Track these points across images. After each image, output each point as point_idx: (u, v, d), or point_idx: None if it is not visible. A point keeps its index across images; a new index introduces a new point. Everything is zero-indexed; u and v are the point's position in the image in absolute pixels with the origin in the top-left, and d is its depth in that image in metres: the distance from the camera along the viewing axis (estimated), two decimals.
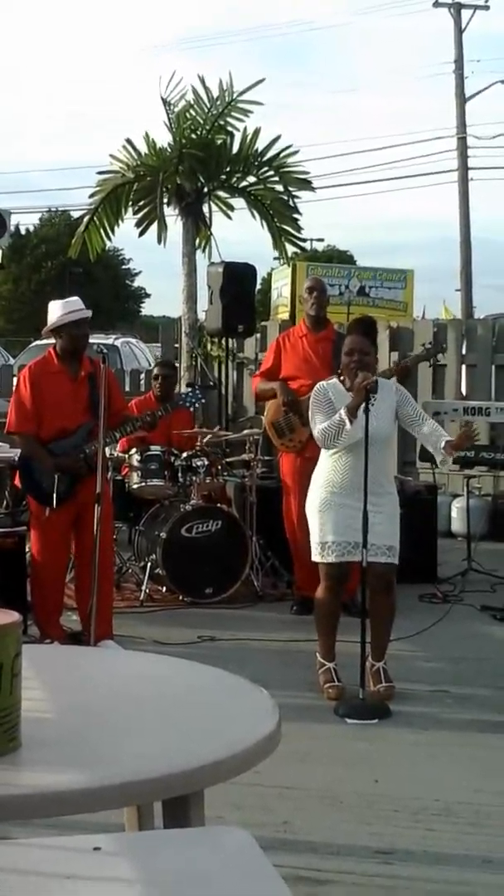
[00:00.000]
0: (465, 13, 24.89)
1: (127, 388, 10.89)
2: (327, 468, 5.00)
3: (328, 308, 6.92)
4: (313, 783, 3.91)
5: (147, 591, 6.88)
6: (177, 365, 10.20)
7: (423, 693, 5.06)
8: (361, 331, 5.09)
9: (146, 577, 6.92)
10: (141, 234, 11.00)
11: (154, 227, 10.84)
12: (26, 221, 42.25)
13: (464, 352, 10.47)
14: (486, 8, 24.90)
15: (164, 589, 7.03)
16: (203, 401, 7.43)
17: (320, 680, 4.99)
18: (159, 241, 10.79)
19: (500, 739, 4.48)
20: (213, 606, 6.74)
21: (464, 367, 10.47)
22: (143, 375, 11.80)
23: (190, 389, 7.15)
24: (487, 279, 70.32)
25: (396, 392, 5.11)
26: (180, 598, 6.83)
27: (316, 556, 4.99)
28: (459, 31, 24.99)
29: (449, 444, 4.93)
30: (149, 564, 6.94)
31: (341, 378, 5.06)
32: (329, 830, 3.53)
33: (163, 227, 10.78)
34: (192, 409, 7.40)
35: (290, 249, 11.65)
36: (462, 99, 24.73)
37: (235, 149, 10.90)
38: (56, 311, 5.71)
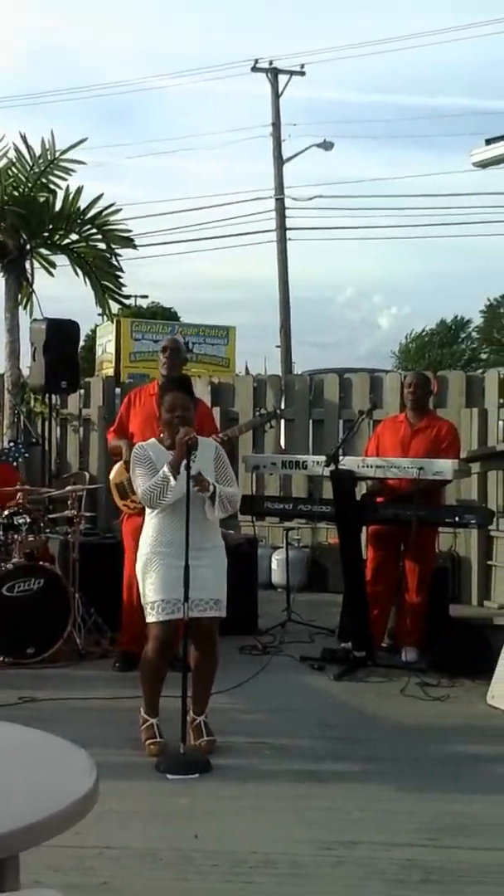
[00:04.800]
0: (283, 78, 25.84)
1: None
2: (153, 528, 5.00)
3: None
4: (132, 841, 3.92)
5: None
6: None
7: (242, 745, 5.14)
8: (179, 387, 5.19)
9: None
10: None
11: None
12: None
13: (282, 406, 10.74)
14: (302, 74, 26.00)
15: None
16: (26, 455, 7.38)
17: (142, 736, 5.01)
18: None
19: (317, 789, 4.59)
20: (34, 666, 6.65)
21: (282, 421, 10.73)
22: None
23: (12, 444, 7.09)
24: (307, 336, 71.91)
25: (216, 451, 5.21)
26: (1, 658, 6.73)
27: (148, 617, 4.96)
28: (276, 96, 25.87)
29: None
30: None
31: (160, 436, 5.14)
32: (147, 889, 3.55)
33: None
34: (14, 463, 7.34)
35: (114, 306, 11.74)
36: (280, 161, 25.51)
37: (58, 207, 10.95)
38: None
